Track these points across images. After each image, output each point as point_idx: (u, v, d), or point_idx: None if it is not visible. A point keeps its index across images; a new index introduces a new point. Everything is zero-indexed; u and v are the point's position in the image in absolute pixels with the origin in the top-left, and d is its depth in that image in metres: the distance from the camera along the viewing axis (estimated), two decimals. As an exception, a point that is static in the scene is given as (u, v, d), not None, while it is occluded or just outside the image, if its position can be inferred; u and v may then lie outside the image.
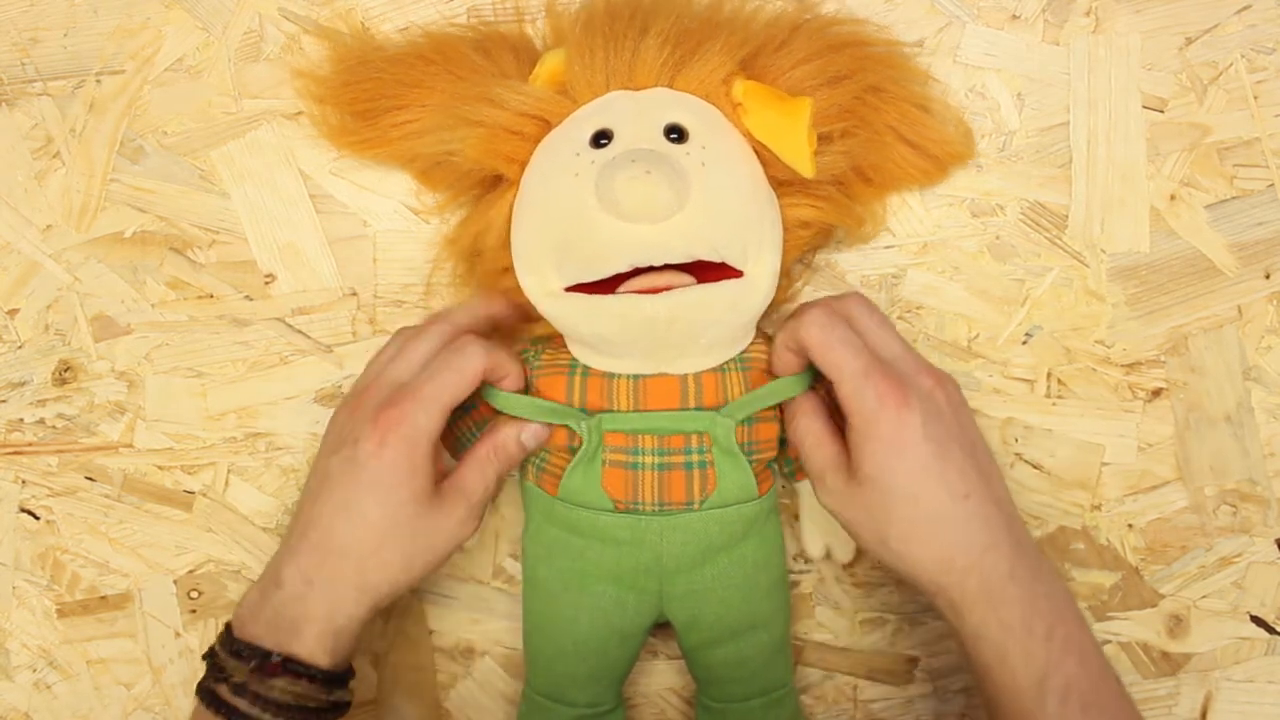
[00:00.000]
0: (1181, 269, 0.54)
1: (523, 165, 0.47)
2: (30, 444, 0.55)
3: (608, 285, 0.45)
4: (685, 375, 0.47)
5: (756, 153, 0.47)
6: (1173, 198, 0.54)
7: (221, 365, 0.54)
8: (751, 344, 0.48)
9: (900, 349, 0.46)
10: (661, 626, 0.50)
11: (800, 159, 0.46)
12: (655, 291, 0.45)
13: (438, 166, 0.50)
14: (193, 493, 0.54)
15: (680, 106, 0.46)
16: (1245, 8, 0.53)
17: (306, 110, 0.53)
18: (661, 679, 0.55)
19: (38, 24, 0.54)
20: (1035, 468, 0.54)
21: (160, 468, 0.54)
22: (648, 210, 0.43)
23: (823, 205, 0.49)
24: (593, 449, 0.47)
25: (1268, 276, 0.54)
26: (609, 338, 0.46)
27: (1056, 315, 0.54)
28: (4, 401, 0.55)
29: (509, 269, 0.48)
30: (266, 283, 0.54)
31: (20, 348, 0.55)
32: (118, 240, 0.54)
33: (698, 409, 0.47)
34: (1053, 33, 0.53)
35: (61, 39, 0.54)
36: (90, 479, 0.55)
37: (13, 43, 0.54)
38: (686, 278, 0.45)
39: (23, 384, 0.55)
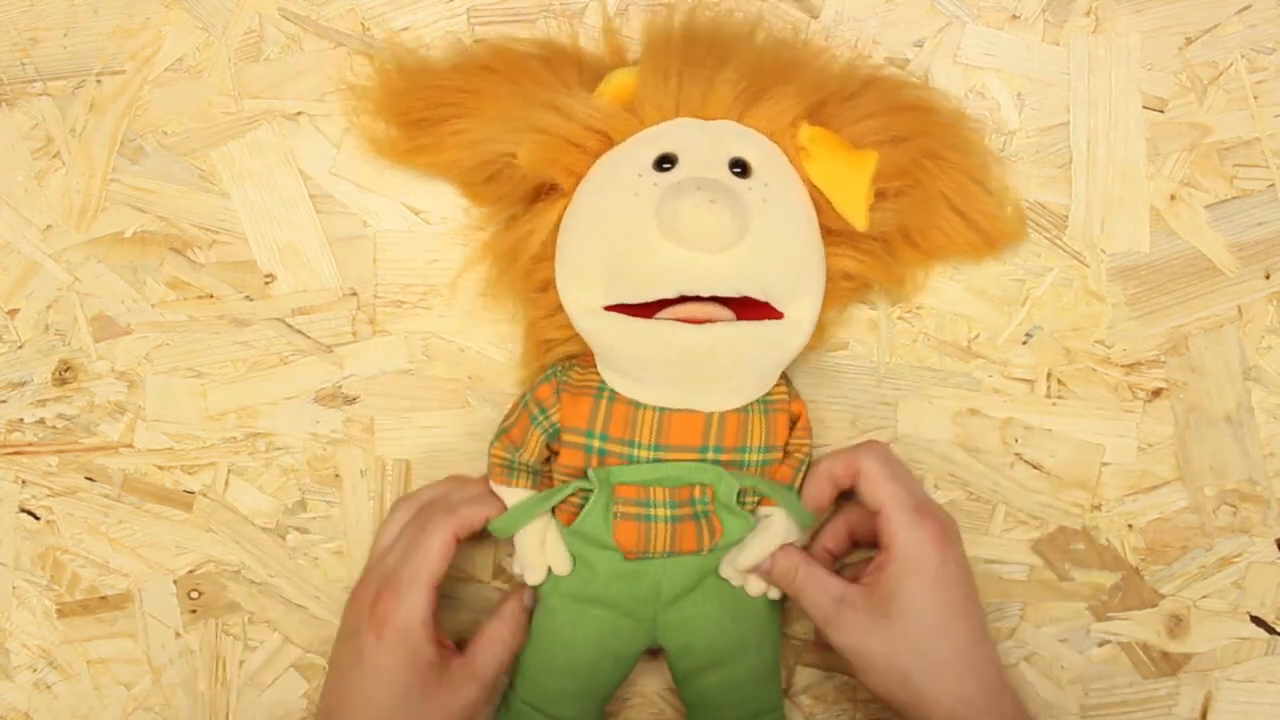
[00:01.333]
0: (1181, 269, 0.54)
1: (579, 179, 0.47)
2: (30, 444, 0.55)
3: (647, 309, 0.45)
4: (711, 413, 0.47)
5: (811, 199, 0.47)
6: (1173, 198, 0.54)
7: (221, 365, 0.54)
8: (775, 387, 0.48)
9: (926, 494, 0.49)
10: (653, 652, 0.51)
11: (856, 211, 0.46)
12: (696, 322, 0.45)
13: (489, 181, 0.50)
14: (193, 493, 0.54)
15: (746, 142, 0.46)
16: (1245, 8, 0.53)
17: (355, 124, 0.53)
18: (659, 679, 0.55)
19: (38, 24, 0.54)
20: (1035, 468, 0.54)
21: (160, 468, 0.54)
22: (708, 239, 0.43)
23: (867, 260, 0.49)
24: (604, 502, 0.47)
25: (1268, 276, 0.54)
26: (643, 362, 0.46)
27: (1056, 315, 0.54)
28: (4, 401, 0.55)
29: (545, 281, 0.48)
30: (266, 283, 0.54)
31: (20, 348, 0.55)
32: (118, 240, 0.54)
33: (718, 447, 0.47)
34: (1053, 33, 0.53)
35: (61, 39, 0.54)
36: (90, 479, 0.55)
37: (13, 43, 0.54)
38: (727, 312, 0.45)
39: (23, 384, 0.55)
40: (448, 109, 0.49)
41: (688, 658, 0.49)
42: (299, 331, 0.54)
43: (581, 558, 0.48)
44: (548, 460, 0.50)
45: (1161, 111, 0.53)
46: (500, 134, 0.47)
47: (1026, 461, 0.54)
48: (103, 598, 0.55)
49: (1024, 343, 0.54)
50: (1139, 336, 0.54)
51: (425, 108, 0.49)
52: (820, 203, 0.47)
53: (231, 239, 0.54)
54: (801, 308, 0.46)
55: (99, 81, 0.54)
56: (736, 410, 0.47)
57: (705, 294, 0.44)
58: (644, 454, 0.47)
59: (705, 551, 0.48)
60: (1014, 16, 0.53)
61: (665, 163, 0.45)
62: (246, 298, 0.54)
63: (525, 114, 0.46)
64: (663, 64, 0.46)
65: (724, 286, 0.44)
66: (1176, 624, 0.54)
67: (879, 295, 0.54)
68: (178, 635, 0.55)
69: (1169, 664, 0.54)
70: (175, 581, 0.55)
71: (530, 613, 0.49)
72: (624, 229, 0.45)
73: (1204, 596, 0.54)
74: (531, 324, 0.51)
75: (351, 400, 0.54)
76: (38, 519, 0.55)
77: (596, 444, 0.47)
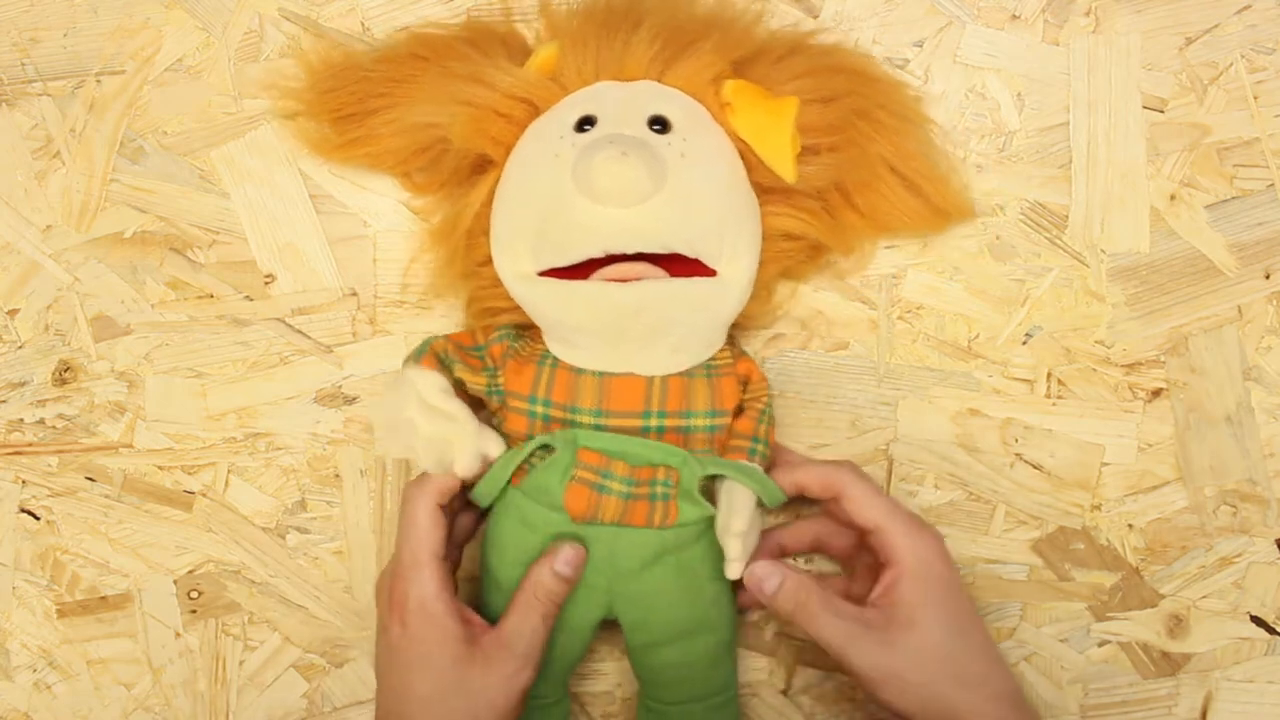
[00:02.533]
0: (1181, 269, 0.54)
1: (508, 149, 0.47)
2: (30, 444, 0.55)
3: (582, 273, 0.45)
4: (652, 377, 0.47)
5: (742, 156, 0.47)
6: (1173, 198, 0.54)
7: (221, 365, 0.54)
8: (719, 352, 0.48)
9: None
10: (609, 625, 0.50)
11: (782, 160, 0.46)
12: (625, 281, 0.45)
13: (425, 170, 0.50)
14: (193, 493, 0.54)
15: (666, 100, 0.46)
16: (1245, 8, 0.53)
17: (291, 125, 0.53)
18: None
19: (38, 24, 0.54)
20: (1035, 468, 0.54)
21: (160, 468, 0.54)
22: (620, 192, 0.43)
23: (807, 218, 0.49)
24: (566, 463, 0.46)
25: (1268, 276, 0.54)
26: (576, 325, 0.46)
27: (1056, 315, 0.54)
28: (4, 402, 0.55)
29: (486, 256, 0.48)
30: (266, 283, 0.54)
31: (20, 348, 0.55)
32: (118, 240, 0.54)
33: (660, 412, 0.47)
34: (1053, 33, 0.53)
35: (61, 39, 0.54)
36: (90, 479, 0.55)
37: (13, 43, 0.54)
38: (658, 270, 0.45)
39: (23, 384, 0.55)
40: (378, 100, 0.49)
41: (642, 632, 0.49)
42: (299, 331, 0.54)
43: (528, 521, 0.48)
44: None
45: (1161, 111, 0.53)
46: (430, 113, 0.47)
47: (1026, 461, 0.54)
48: (103, 598, 0.55)
49: (1024, 343, 0.54)
50: (1139, 336, 0.54)
51: (356, 101, 0.50)
52: (751, 159, 0.47)
53: (231, 239, 0.54)
54: (734, 265, 0.46)
55: (99, 81, 0.54)
56: (679, 374, 0.47)
57: (629, 251, 0.44)
58: (586, 419, 0.46)
59: (655, 529, 0.47)
60: (1014, 16, 0.53)
61: (585, 124, 0.46)
62: (246, 298, 0.54)
63: (452, 90, 0.47)
64: (581, 31, 0.47)
65: (646, 242, 0.44)
66: (1176, 624, 0.54)
67: (830, 263, 0.53)
68: (178, 635, 0.55)
69: (1169, 664, 0.54)
70: (175, 581, 0.55)
71: (566, 581, 0.47)
72: (546, 191, 0.45)
73: (1204, 596, 0.54)
74: (474, 297, 0.51)
75: (351, 400, 0.54)
76: (38, 519, 0.55)
77: (540, 409, 0.47)
